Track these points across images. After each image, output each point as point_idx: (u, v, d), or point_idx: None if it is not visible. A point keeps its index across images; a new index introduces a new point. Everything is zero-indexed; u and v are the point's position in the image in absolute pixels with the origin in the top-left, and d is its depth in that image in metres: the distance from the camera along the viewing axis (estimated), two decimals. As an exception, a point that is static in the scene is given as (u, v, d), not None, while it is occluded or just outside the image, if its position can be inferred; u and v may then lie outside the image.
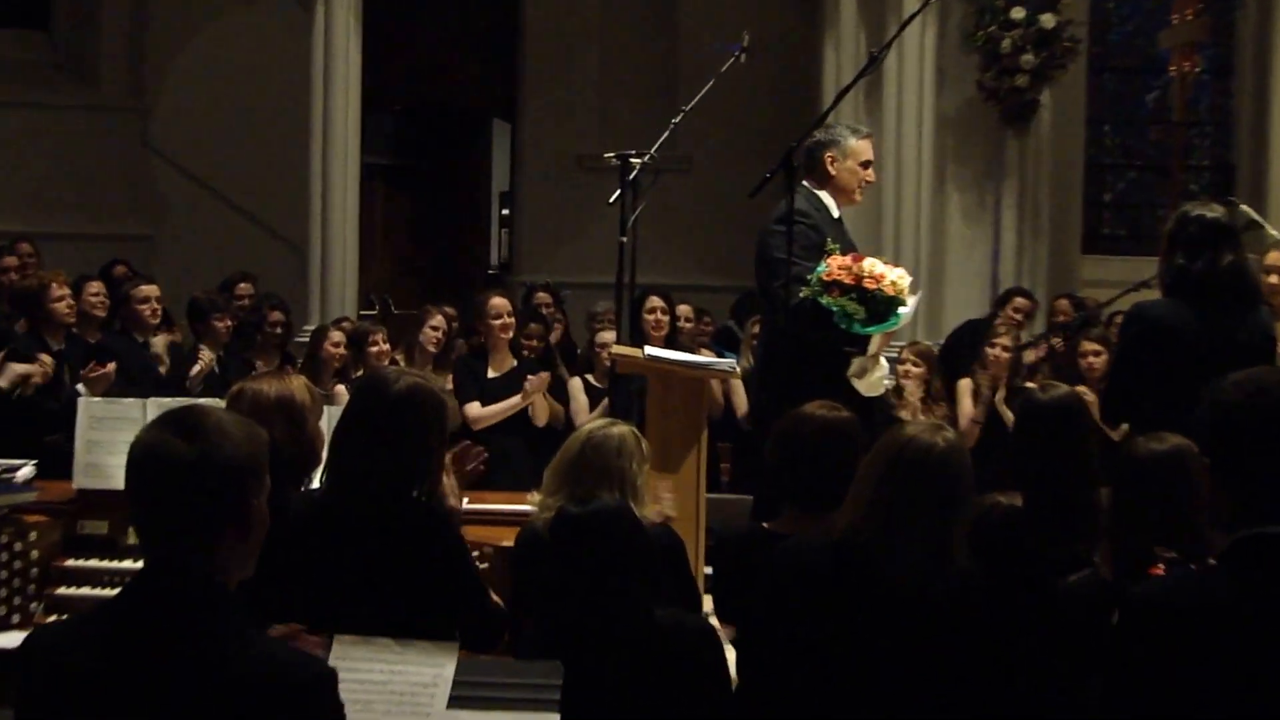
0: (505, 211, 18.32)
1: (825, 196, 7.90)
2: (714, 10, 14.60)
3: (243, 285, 12.23)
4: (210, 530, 3.29)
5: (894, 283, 7.35)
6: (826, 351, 7.48)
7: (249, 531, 3.35)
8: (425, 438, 5.17)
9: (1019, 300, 11.84)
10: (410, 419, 5.12)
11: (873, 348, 7.51)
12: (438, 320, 10.83)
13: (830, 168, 7.89)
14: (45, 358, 9.19)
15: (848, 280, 7.31)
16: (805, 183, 7.84)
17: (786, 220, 7.45)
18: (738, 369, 9.05)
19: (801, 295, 7.42)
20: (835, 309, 7.29)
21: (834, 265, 7.36)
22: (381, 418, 5.11)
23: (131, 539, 6.80)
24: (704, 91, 9.13)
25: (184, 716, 3.18)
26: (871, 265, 7.35)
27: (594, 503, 5.01)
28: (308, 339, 11.10)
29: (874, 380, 7.53)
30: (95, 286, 10.41)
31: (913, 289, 7.60)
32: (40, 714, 3.33)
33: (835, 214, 7.92)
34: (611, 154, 8.76)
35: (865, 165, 7.98)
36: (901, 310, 7.42)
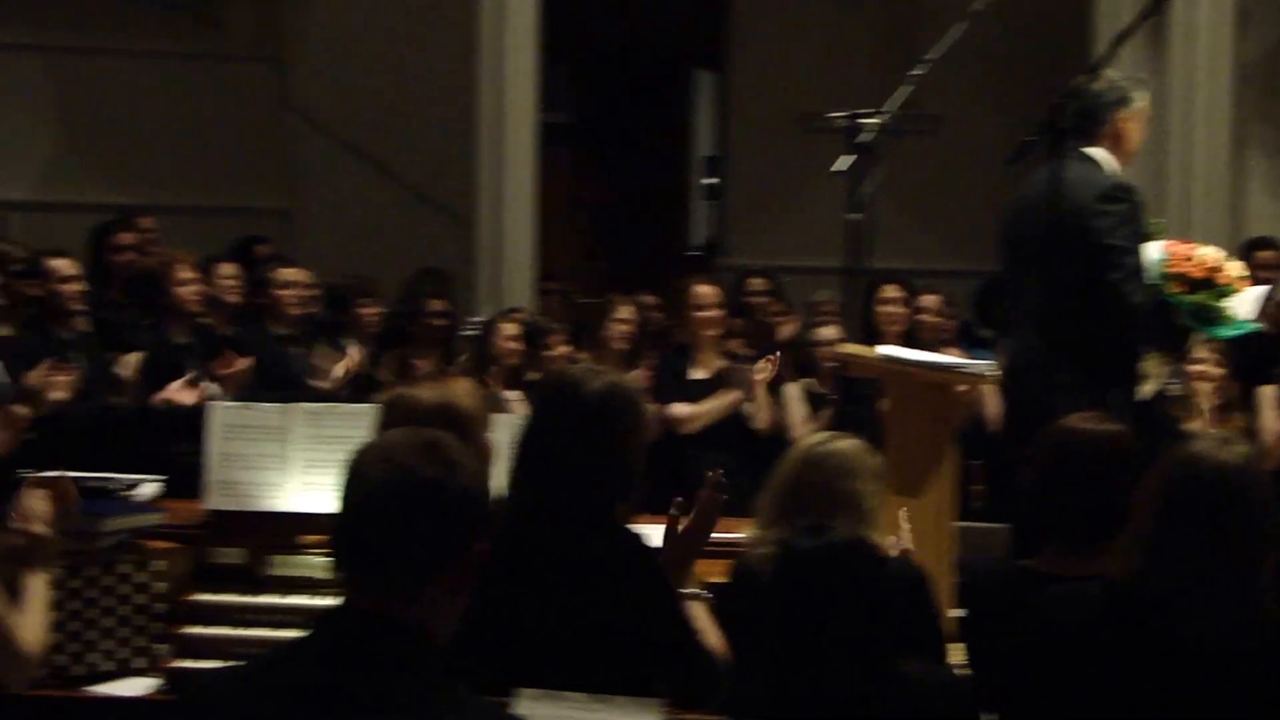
0: (711, 181, 18.17)
1: (1108, 161, 7.78)
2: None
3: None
4: (428, 570, 3.33)
5: (1231, 273, 7.31)
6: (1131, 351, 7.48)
7: (465, 579, 3.39)
8: (626, 450, 5.14)
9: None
10: (609, 428, 5.08)
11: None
12: (626, 312, 10.82)
13: (1122, 128, 7.81)
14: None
15: (1197, 274, 7.29)
16: (1092, 150, 7.77)
17: (1110, 198, 7.47)
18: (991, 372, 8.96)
19: (1147, 296, 7.39)
20: (1191, 309, 7.30)
21: (1174, 255, 7.36)
22: (574, 427, 5.08)
23: (272, 569, 6.90)
24: (952, 37, 9.08)
25: None
26: (1206, 254, 7.30)
27: (826, 534, 4.99)
28: (475, 333, 11.16)
29: (1154, 380, 7.47)
30: (228, 269, 10.52)
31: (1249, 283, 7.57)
32: None
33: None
34: (840, 113, 8.75)
35: (1141, 126, 7.95)
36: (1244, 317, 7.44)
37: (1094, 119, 7.82)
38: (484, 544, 3.39)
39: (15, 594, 4.85)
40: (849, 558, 4.88)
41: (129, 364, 9.47)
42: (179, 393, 8.86)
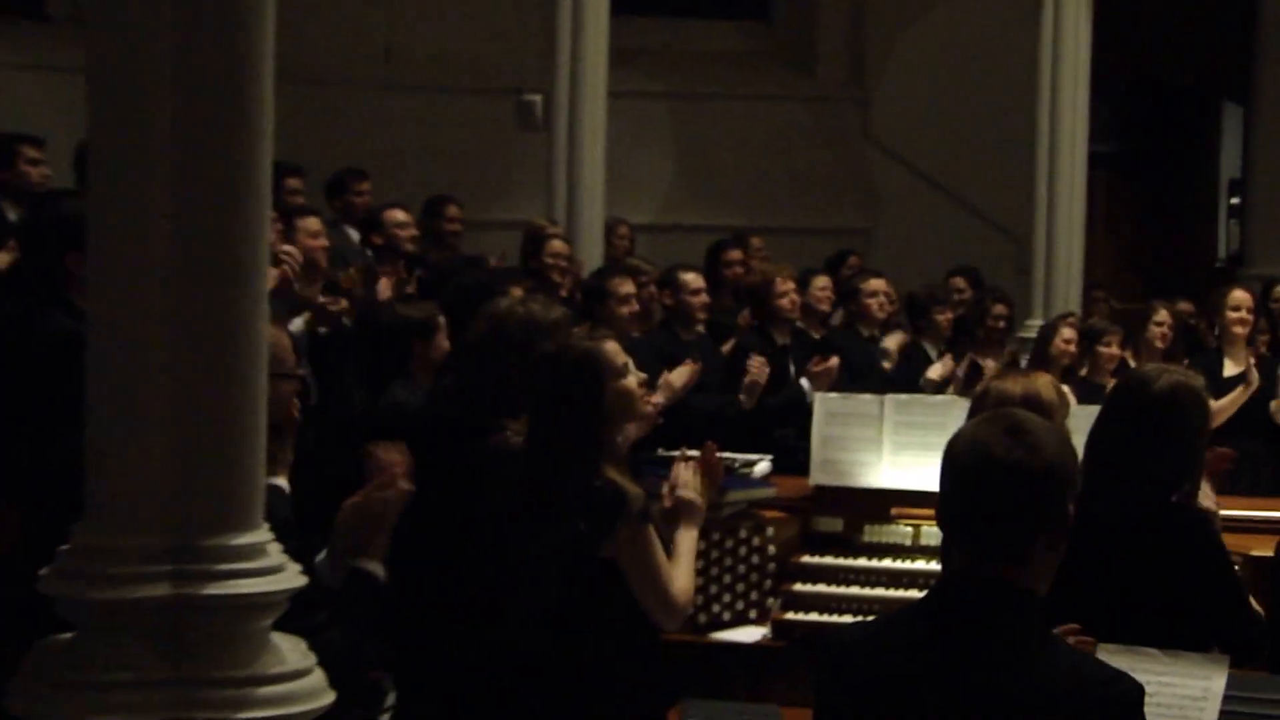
0: (1235, 200, 17.68)
1: None
2: None
3: (959, 279, 12.23)
4: (1027, 535, 3.29)
5: None
6: None
7: (1060, 538, 3.34)
8: (1189, 438, 5.11)
9: None
10: (1174, 418, 5.07)
11: None
12: (1165, 315, 10.61)
13: None
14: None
15: None
16: None
17: None
18: None
19: None
20: None
21: None
22: (1144, 417, 5.07)
23: (866, 537, 6.99)
24: None
25: None
26: None
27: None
28: (1033, 334, 11.02)
29: None
30: (823, 280, 10.58)
31: None
32: (849, 709, 3.41)
33: None
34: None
35: None
36: None
37: None
38: (1073, 506, 3.36)
39: (669, 548, 4.89)
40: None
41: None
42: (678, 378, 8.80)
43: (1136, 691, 3.26)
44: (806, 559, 7.01)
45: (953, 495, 3.35)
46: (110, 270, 3.68)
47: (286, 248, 8.01)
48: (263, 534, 3.71)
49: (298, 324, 8.33)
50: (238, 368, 3.66)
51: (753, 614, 6.79)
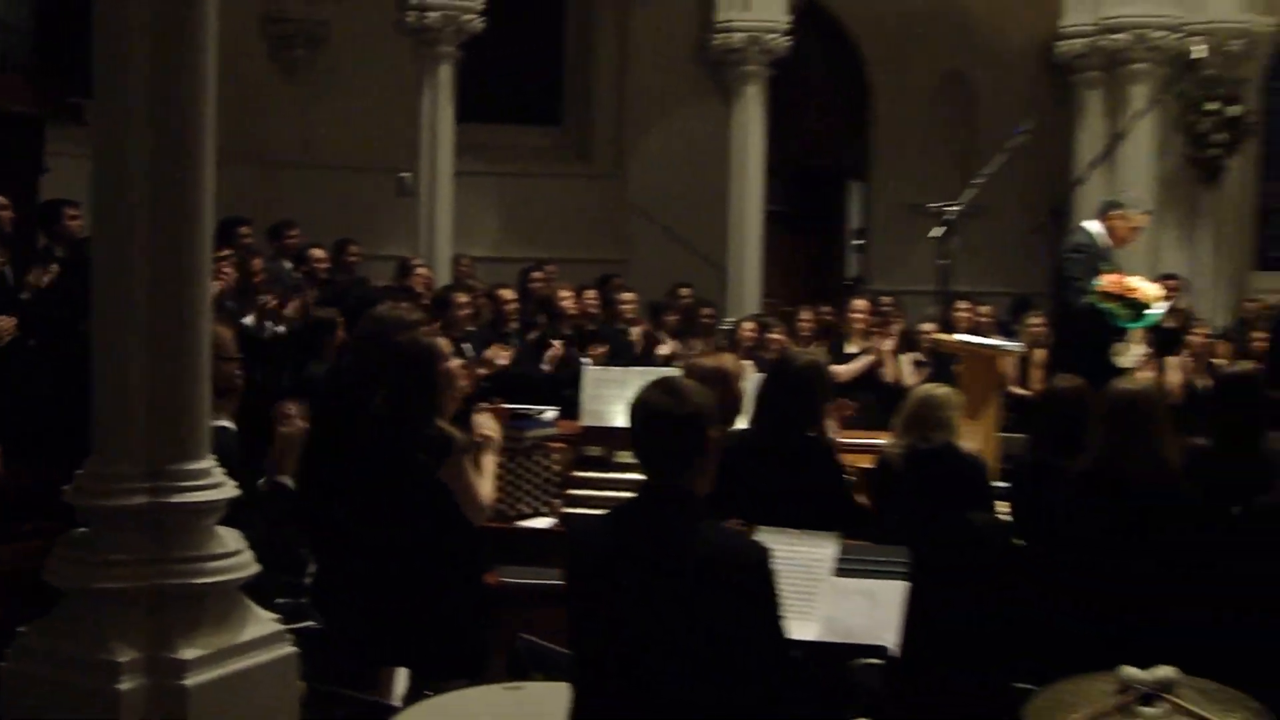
0: (856, 241, 17.14)
1: (1103, 235, 7.81)
2: (1003, 105, 14.17)
3: (682, 291, 12.14)
4: (683, 456, 3.30)
5: (1147, 293, 7.26)
6: (1098, 339, 7.37)
7: (710, 458, 3.35)
8: (818, 396, 5.17)
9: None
10: (809, 383, 5.14)
11: (1131, 338, 7.42)
12: (808, 315, 10.68)
13: (1112, 221, 7.86)
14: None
15: (1115, 290, 7.26)
16: (1088, 224, 7.91)
17: (1074, 250, 7.70)
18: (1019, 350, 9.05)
19: (1084, 301, 7.44)
20: (1107, 310, 7.19)
21: (1106, 280, 7.30)
22: (791, 382, 5.14)
23: (620, 458, 6.87)
24: (999, 161, 8.88)
25: (675, 579, 3.22)
26: (1132, 280, 7.28)
27: (932, 441, 4.87)
28: (728, 328, 11.06)
29: (1128, 358, 7.32)
30: (592, 293, 10.51)
31: (1162, 298, 7.61)
32: (581, 574, 3.42)
33: (1106, 246, 7.83)
34: (936, 203, 8.62)
35: (1135, 230, 8.01)
36: (1149, 312, 7.39)
37: (1103, 209, 8.00)
38: (718, 433, 3.37)
39: (479, 468, 4.83)
40: (945, 455, 4.74)
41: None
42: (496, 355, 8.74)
43: (764, 551, 3.31)
44: (579, 473, 6.96)
45: (635, 433, 3.38)
46: (108, 289, 3.65)
47: (225, 269, 8.00)
48: (209, 462, 3.71)
49: (250, 319, 8.23)
50: (189, 350, 3.64)
51: (545, 510, 6.72)
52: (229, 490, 3.70)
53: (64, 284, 7.79)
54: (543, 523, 6.67)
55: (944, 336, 8.47)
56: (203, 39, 3.62)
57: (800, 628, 3.91)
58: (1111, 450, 4.67)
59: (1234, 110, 13.17)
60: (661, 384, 3.37)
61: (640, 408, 3.34)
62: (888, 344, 10.10)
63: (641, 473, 3.41)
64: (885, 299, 11.10)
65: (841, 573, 4.15)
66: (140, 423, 3.58)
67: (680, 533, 3.26)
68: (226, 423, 4.59)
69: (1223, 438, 5.28)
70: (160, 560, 3.58)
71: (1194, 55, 12.09)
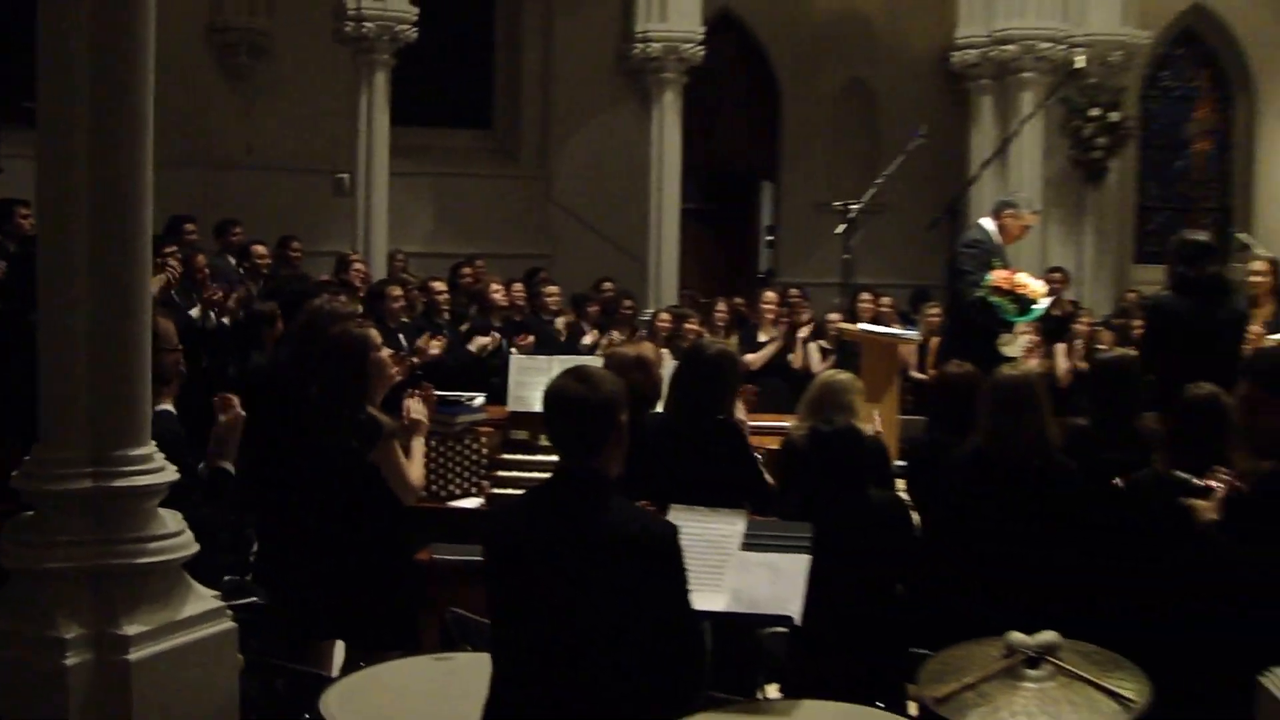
0: (768, 238, 17.18)
1: (996, 232, 7.85)
2: (903, 110, 14.30)
3: (606, 284, 12.10)
4: (594, 440, 3.28)
5: (1034, 289, 7.36)
6: (988, 329, 7.43)
7: (619, 442, 3.33)
8: (726, 381, 5.13)
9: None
10: (719, 370, 5.10)
11: (1018, 330, 7.52)
12: (723, 306, 10.73)
13: (1004, 219, 7.88)
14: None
15: (1005, 286, 7.32)
16: (983, 221, 7.93)
17: (968, 245, 7.68)
18: (917, 338, 9.15)
19: (976, 294, 7.44)
20: (996, 304, 7.27)
21: (997, 276, 7.36)
22: (703, 369, 5.08)
23: (543, 442, 6.83)
24: (898, 162, 8.95)
25: (586, 556, 3.20)
26: (1020, 277, 7.38)
27: (834, 423, 4.89)
28: (647, 318, 11.05)
29: (1014, 348, 7.41)
30: (519, 286, 10.42)
31: (1047, 294, 7.73)
32: (497, 553, 3.37)
33: (999, 243, 7.86)
34: (841, 202, 8.68)
35: (1026, 228, 8.05)
36: (1035, 307, 7.45)
37: (996, 208, 8.01)
38: (626, 418, 3.33)
39: (408, 452, 4.79)
40: (847, 436, 4.76)
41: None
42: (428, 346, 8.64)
43: (672, 527, 3.32)
44: (505, 456, 6.96)
45: (548, 418, 3.36)
46: (53, 283, 3.59)
47: (171, 263, 7.89)
48: (150, 447, 3.66)
49: (195, 311, 8.12)
50: (131, 342, 3.59)
51: (474, 490, 6.76)
52: (170, 474, 3.66)
53: (12, 278, 7.65)
54: (472, 503, 6.67)
55: (848, 325, 8.57)
56: (142, 43, 3.56)
57: (710, 599, 3.90)
58: (998, 431, 4.73)
59: (1114, 116, 13.44)
60: (574, 372, 3.35)
61: (554, 395, 3.33)
62: (804, 331, 10.19)
63: (558, 456, 3.39)
64: (794, 291, 11.17)
65: (748, 548, 4.14)
66: (84, 411, 3.52)
67: (592, 512, 3.25)
68: (167, 406, 4.53)
69: (1100, 419, 5.37)
70: (104, 541, 3.53)
71: (1077, 65, 12.23)
